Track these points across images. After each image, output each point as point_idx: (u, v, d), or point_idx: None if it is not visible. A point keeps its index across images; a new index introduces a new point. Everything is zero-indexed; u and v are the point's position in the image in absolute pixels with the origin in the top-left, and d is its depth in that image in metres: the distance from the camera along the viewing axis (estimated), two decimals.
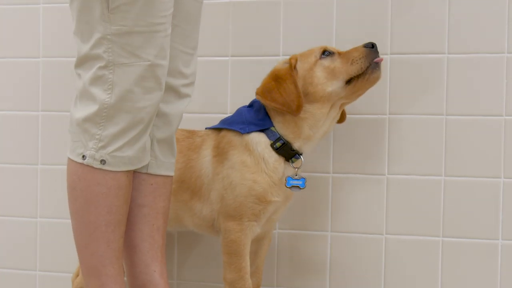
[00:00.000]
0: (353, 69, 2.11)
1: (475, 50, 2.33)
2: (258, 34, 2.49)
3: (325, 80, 2.12)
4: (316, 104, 2.13)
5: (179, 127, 2.16)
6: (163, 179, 2.01)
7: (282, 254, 2.48)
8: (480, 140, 2.33)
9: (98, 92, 1.84)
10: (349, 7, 2.41)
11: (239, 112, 2.21)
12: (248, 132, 2.15)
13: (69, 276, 2.58)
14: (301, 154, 2.16)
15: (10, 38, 2.68)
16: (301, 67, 2.15)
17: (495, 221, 2.32)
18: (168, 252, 2.53)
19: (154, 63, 1.84)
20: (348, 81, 2.12)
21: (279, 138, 2.14)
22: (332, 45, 2.40)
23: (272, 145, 2.13)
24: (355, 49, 2.14)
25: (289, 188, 2.13)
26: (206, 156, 2.20)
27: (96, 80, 1.84)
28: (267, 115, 2.17)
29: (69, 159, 1.89)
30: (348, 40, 2.40)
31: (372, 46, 2.13)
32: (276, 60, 2.33)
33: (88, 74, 1.85)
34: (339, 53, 2.16)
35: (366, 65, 2.11)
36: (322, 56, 2.15)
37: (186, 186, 2.20)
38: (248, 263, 2.15)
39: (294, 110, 2.09)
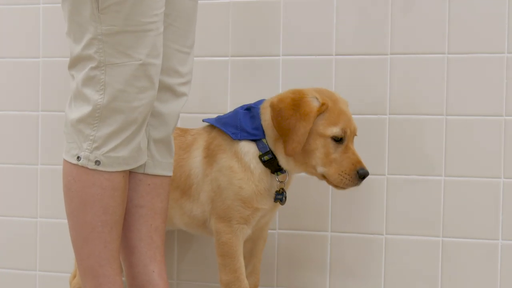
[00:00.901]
0: (336, 179, 2.07)
1: (475, 50, 2.32)
2: (258, 34, 2.49)
3: (318, 160, 2.08)
4: (301, 160, 2.11)
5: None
6: (160, 179, 2.01)
7: (282, 254, 2.48)
8: (480, 140, 2.32)
9: (90, 93, 1.84)
10: (349, 7, 2.41)
11: (235, 113, 2.18)
12: (240, 139, 2.13)
13: (69, 276, 2.58)
14: (286, 171, 2.14)
15: (10, 38, 2.68)
16: (319, 124, 2.09)
17: (495, 221, 2.32)
18: (167, 252, 2.53)
19: (146, 62, 1.84)
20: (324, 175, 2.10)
21: (269, 152, 2.11)
22: (332, 45, 2.40)
23: (260, 157, 2.11)
24: (352, 163, 2.07)
25: (275, 202, 2.13)
26: (196, 156, 2.19)
27: (88, 80, 1.84)
28: (261, 125, 2.13)
29: (64, 160, 1.90)
30: (348, 40, 2.40)
31: (363, 178, 2.08)
32: (277, 60, 2.34)
33: (80, 75, 1.85)
34: (346, 147, 2.09)
35: (344, 187, 2.08)
36: (335, 139, 2.08)
37: (176, 184, 2.20)
38: (243, 264, 2.14)
39: (288, 151, 2.06)
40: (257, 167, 2.11)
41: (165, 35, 1.96)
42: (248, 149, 2.12)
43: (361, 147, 2.40)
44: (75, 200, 1.87)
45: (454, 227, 2.35)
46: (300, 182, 2.38)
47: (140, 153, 1.92)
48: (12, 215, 2.69)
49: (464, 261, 2.35)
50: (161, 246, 2.01)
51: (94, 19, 1.81)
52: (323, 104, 2.07)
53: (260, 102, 2.18)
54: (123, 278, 2.15)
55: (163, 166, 2.01)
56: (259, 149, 2.12)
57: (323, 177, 2.10)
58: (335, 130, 2.07)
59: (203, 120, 2.24)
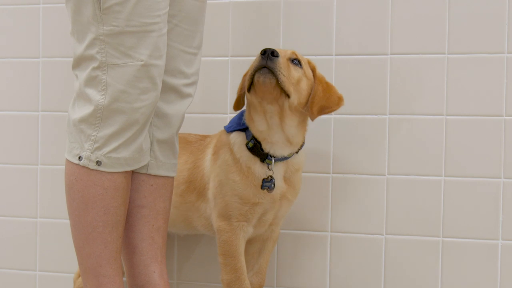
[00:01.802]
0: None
1: (475, 50, 2.32)
2: (258, 34, 2.49)
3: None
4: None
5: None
6: (163, 179, 2.01)
7: (282, 254, 2.48)
8: (480, 140, 2.32)
9: (93, 93, 1.84)
10: (349, 7, 2.41)
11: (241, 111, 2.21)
12: (232, 131, 2.15)
13: (69, 276, 2.58)
14: (274, 156, 2.12)
15: (10, 38, 2.68)
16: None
17: (495, 221, 2.32)
18: (168, 252, 2.53)
19: (148, 63, 1.84)
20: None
21: (252, 138, 2.12)
22: (332, 45, 2.40)
23: (246, 145, 2.12)
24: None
25: (263, 190, 2.10)
26: (208, 154, 2.21)
27: (90, 81, 1.84)
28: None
29: (66, 159, 1.90)
30: (348, 40, 2.40)
31: (264, 53, 2.02)
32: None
33: (83, 75, 1.85)
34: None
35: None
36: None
37: (193, 186, 2.20)
38: (244, 264, 2.14)
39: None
40: (243, 155, 2.11)
41: (171, 36, 1.96)
42: (236, 139, 2.14)
43: (361, 147, 2.40)
44: (77, 199, 1.87)
45: (454, 227, 2.35)
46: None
47: (142, 154, 1.92)
48: (12, 215, 2.69)
49: (464, 261, 2.35)
50: (162, 247, 2.01)
51: (96, 19, 1.81)
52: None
53: None
54: (124, 278, 2.15)
55: (166, 167, 2.01)
56: (247, 137, 2.12)
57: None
58: None
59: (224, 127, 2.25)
